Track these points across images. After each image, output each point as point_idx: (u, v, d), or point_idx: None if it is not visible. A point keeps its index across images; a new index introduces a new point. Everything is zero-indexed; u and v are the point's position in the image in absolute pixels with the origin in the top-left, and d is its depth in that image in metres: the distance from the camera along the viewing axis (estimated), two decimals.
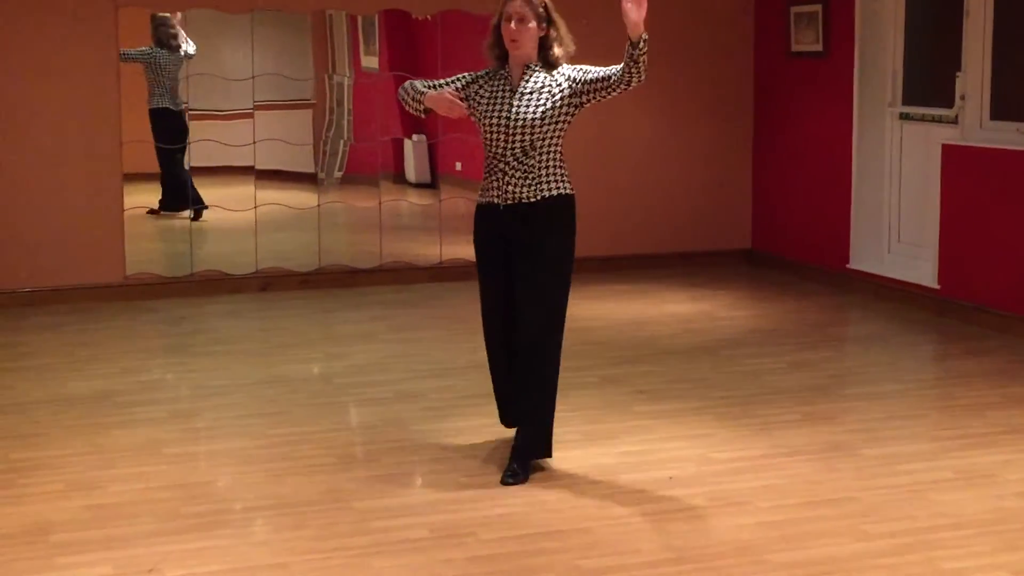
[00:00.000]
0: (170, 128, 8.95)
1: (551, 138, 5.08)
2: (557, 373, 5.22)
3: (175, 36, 8.91)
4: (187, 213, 9.09)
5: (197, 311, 8.43)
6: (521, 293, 5.12)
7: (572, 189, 5.17)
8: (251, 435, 5.72)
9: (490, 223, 5.18)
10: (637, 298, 8.72)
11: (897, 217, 8.78)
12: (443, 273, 9.20)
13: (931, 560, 4.30)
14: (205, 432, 5.83)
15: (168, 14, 8.88)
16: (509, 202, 5.08)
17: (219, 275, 8.97)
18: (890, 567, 4.25)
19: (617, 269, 9.57)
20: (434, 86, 5.20)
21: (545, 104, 5.04)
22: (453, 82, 5.22)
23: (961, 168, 7.92)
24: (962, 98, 8.04)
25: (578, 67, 5.12)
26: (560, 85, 5.06)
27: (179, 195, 9.09)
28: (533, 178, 5.06)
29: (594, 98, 5.07)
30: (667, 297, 8.78)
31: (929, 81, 8.60)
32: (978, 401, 6.20)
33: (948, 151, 8.00)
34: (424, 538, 4.52)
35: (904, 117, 8.67)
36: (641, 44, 4.82)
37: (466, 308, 8.35)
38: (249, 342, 7.61)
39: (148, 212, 9.10)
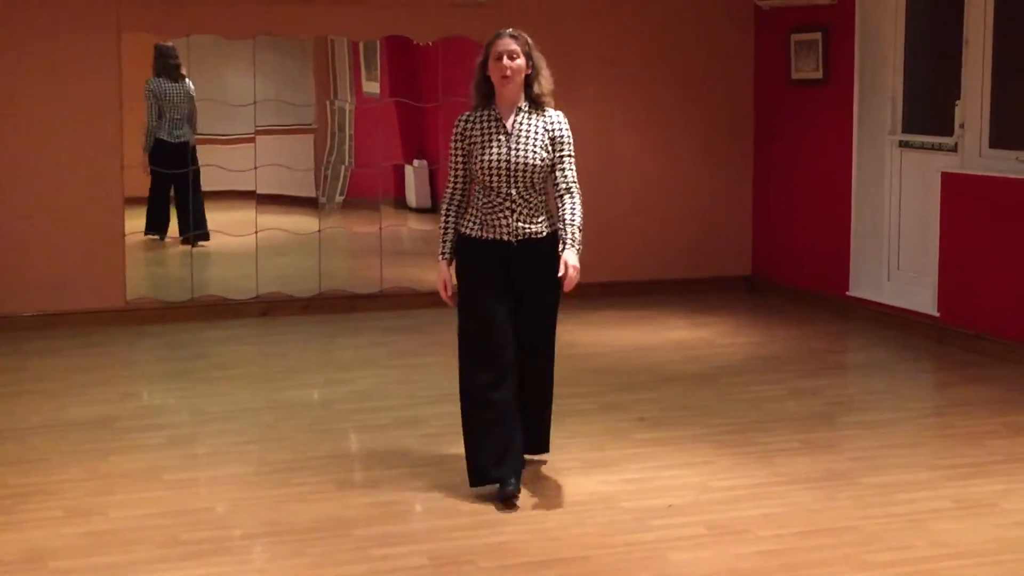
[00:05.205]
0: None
1: (546, 177, 5.28)
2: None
3: (177, 67, 8.94)
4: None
5: (198, 336, 8.43)
6: (531, 324, 5.29)
7: None
8: (251, 461, 5.72)
9: (496, 257, 5.24)
10: (637, 324, 8.73)
11: (897, 244, 8.79)
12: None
13: None
14: (205, 458, 5.83)
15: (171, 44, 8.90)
16: (520, 238, 5.22)
17: (220, 300, 8.98)
18: None
19: (617, 295, 9.57)
20: (453, 180, 5.33)
21: (541, 152, 5.21)
22: (454, 151, 5.29)
23: (960, 196, 7.93)
24: (961, 126, 8.06)
25: (561, 137, 5.25)
26: (545, 142, 5.22)
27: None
28: (537, 214, 5.25)
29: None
30: (667, 324, 8.78)
31: (929, 109, 8.63)
32: (977, 430, 6.20)
33: (948, 179, 8.02)
34: (424, 566, 4.51)
35: (904, 145, 8.69)
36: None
37: None
38: (249, 367, 7.61)
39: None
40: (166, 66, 8.90)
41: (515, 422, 5.22)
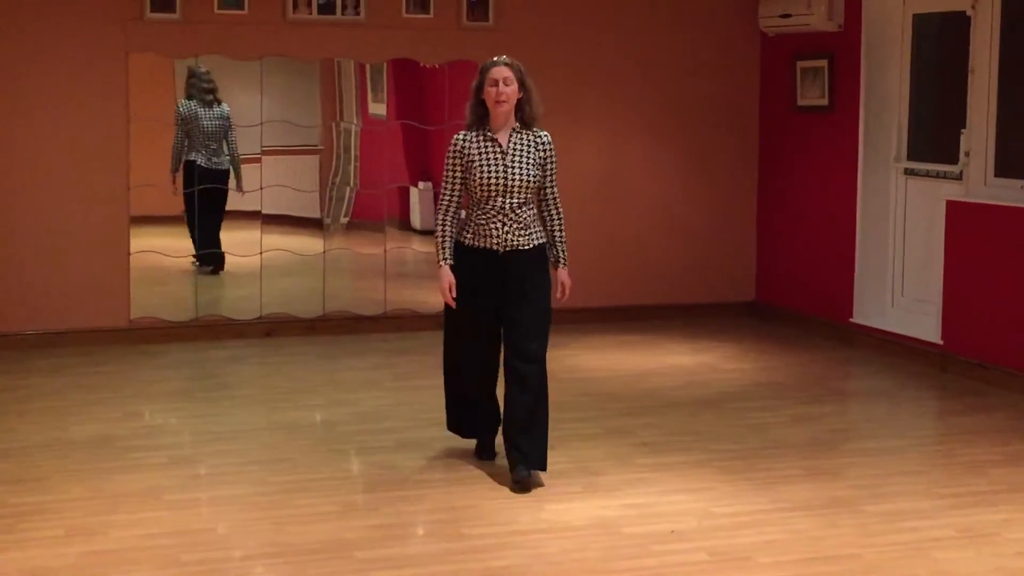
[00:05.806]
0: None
1: (535, 192, 5.79)
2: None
3: (211, 91, 8.95)
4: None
5: (201, 356, 8.44)
6: (523, 325, 5.70)
7: None
8: (253, 482, 5.71)
9: (488, 266, 5.71)
10: (640, 349, 8.72)
11: (901, 272, 8.79)
12: None
13: None
14: (207, 478, 5.82)
15: (202, 67, 8.92)
16: (508, 249, 5.70)
17: (223, 320, 8.99)
18: None
19: (620, 320, 9.58)
20: (450, 193, 5.78)
21: (534, 169, 5.73)
22: (452, 167, 5.76)
23: (965, 224, 7.94)
24: (967, 155, 8.07)
25: (551, 158, 5.79)
26: (536, 162, 5.74)
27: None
28: (525, 228, 5.73)
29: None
30: (670, 349, 8.78)
31: (934, 137, 8.64)
32: (980, 459, 6.19)
33: (952, 207, 8.03)
34: None
35: (909, 172, 8.70)
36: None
37: None
38: (252, 388, 7.61)
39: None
40: (197, 89, 8.92)
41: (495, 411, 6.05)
